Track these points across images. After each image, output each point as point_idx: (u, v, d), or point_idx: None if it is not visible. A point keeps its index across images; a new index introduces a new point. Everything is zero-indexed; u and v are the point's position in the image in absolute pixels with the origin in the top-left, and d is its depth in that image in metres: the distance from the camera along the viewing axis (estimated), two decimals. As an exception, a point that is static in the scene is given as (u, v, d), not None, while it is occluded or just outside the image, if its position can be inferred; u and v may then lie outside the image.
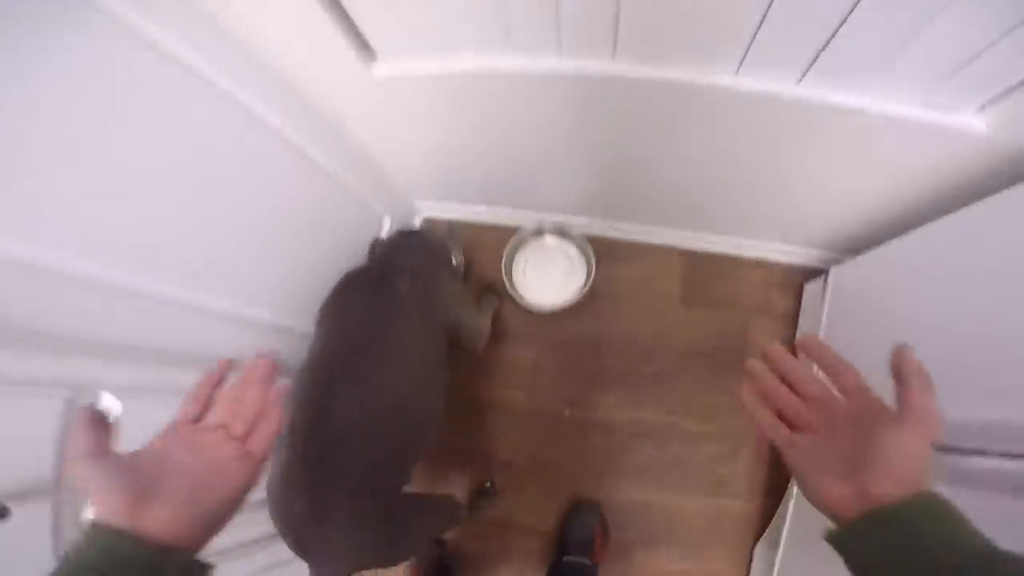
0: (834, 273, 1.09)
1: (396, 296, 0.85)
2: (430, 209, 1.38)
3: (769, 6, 0.55)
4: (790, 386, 0.43)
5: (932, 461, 0.34)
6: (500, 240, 1.32)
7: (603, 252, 1.30)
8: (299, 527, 0.70)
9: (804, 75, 0.66)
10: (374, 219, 1.17)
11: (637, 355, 1.28)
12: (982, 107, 0.65)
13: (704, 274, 1.31)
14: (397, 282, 0.87)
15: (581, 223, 1.32)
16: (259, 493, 0.75)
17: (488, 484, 1.25)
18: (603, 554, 1.16)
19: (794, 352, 0.45)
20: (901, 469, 0.33)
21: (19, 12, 0.43)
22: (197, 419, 0.41)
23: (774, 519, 1.13)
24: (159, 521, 0.33)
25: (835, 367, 0.42)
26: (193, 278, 0.73)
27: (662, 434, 1.24)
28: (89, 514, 0.33)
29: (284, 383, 0.44)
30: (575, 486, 1.24)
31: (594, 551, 1.12)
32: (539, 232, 1.33)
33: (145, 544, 0.32)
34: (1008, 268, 0.64)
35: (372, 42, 0.73)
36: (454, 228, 1.22)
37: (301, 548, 0.71)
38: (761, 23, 0.58)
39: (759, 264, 1.30)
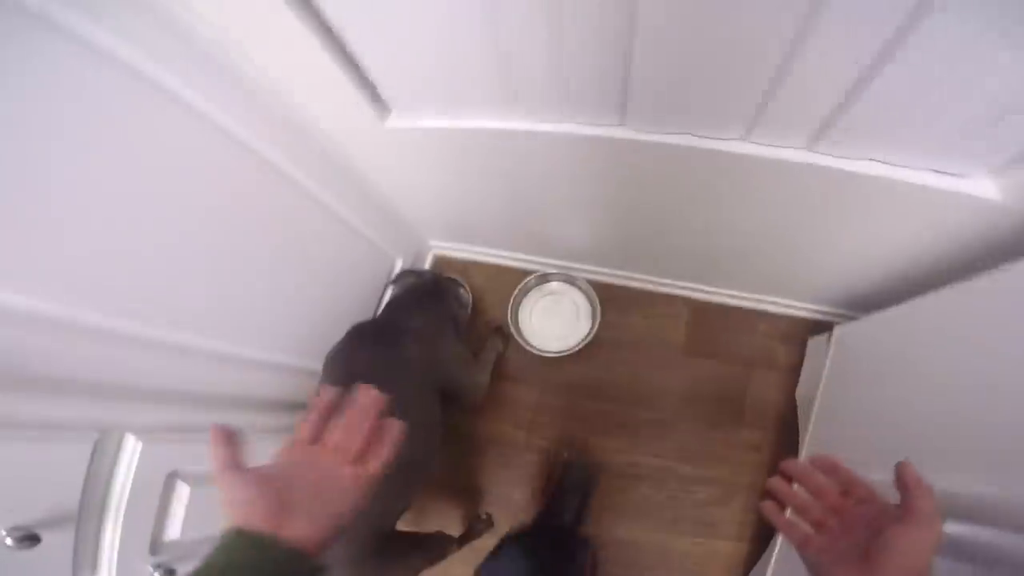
0: (839, 331, 1.08)
1: (404, 358, 0.89)
2: (442, 249, 1.43)
3: (777, 78, 0.56)
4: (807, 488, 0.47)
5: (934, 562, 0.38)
6: (509, 282, 1.36)
7: (609, 299, 1.32)
8: None
9: (814, 142, 0.66)
10: (386, 261, 1.22)
11: (637, 401, 1.30)
12: (994, 172, 0.64)
13: (709, 324, 1.32)
14: (405, 343, 0.91)
15: (588, 270, 1.35)
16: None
17: (485, 515, 1.27)
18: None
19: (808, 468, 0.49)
20: (909, 563, 0.37)
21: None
22: (315, 439, 0.45)
23: (759, 563, 1.13)
24: (298, 529, 0.37)
25: (849, 482, 0.46)
26: (210, 326, 0.79)
27: (658, 477, 1.25)
28: (231, 521, 0.36)
29: (395, 420, 0.48)
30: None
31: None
32: (546, 278, 1.37)
33: (289, 548, 0.36)
34: (1011, 345, 0.63)
35: (386, 96, 0.76)
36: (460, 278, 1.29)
37: None
38: (769, 93, 0.58)
39: (764, 316, 1.30)
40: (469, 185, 1.02)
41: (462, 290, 1.30)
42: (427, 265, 1.43)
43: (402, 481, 0.85)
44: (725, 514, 1.23)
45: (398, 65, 0.69)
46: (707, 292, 1.32)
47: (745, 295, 1.30)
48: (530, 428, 1.33)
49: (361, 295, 1.17)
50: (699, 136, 0.70)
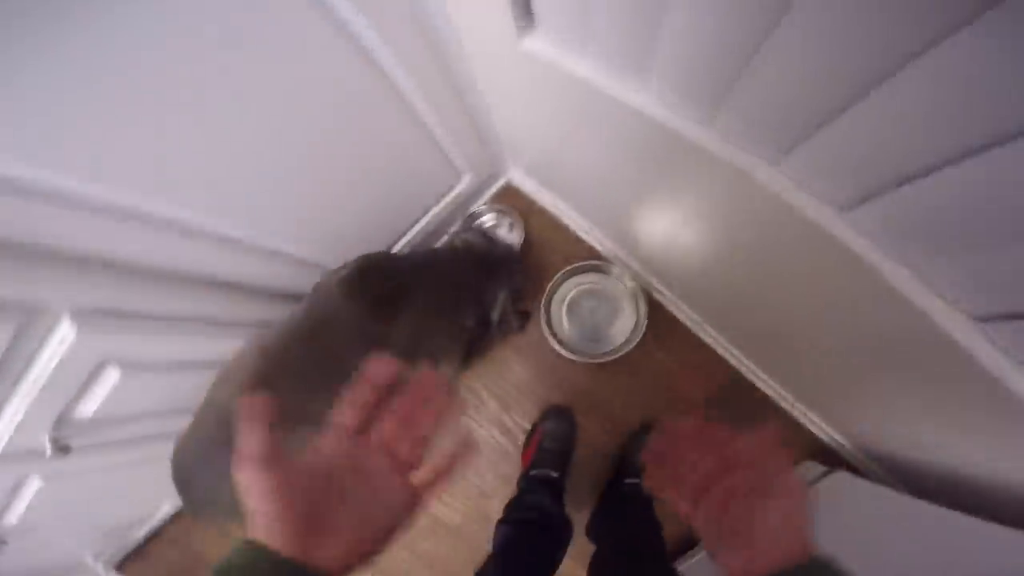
0: (840, 477, 1.00)
1: (386, 333, 0.76)
2: (517, 181, 1.24)
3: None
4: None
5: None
6: (565, 246, 1.22)
7: (655, 322, 1.18)
8: (201, 475, 0.71)
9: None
10: (451, 176, 1.04)
11: (618, 436, 1.20)
12: None
13: (734, 402, 1.18)
14: (398, 318, 0.77)
15: (651, 282, 1.18)
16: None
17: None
18: None
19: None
20: (783, 537, 0.35)
21: None
22: (359, 429, 0.36)
23: None
24: (327, 554, 0.30)
25: (727, 446, 0.41)
26: (220, 206, 0.69)
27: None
28: (252, 528, 0.30)
29: (458, 404, 0.38)
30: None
31: None
32: (602, 269, 1.20)
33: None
34: None
35: (537, 10, 0.60)
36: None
37: (189, 493, 0.73)
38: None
39: (785, 418, 1.16)
40: (574, 140, 0.86)
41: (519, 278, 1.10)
42: (493, 191, 1.26)
43: None
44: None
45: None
46: (753, 371, 1.17)
47: (786, 394, 1.16)
48: (505, 404, 1.26)
49: (406, 205, 1.02)
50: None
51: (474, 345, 0.98)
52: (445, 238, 1.26)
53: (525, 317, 1.21)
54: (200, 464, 0.71)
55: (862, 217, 0.50)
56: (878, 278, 0.53)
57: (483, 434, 1.27)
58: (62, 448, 0.73)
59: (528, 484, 1.07)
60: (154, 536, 1.45)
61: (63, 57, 0.42)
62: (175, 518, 1.43)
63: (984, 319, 0.51)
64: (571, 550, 0.95)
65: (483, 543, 0.88)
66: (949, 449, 0.79)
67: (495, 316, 0.99)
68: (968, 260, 0.46)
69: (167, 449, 1.01)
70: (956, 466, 0.79)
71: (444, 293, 0.84)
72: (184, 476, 0.73)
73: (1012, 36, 0.29)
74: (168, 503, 1.37)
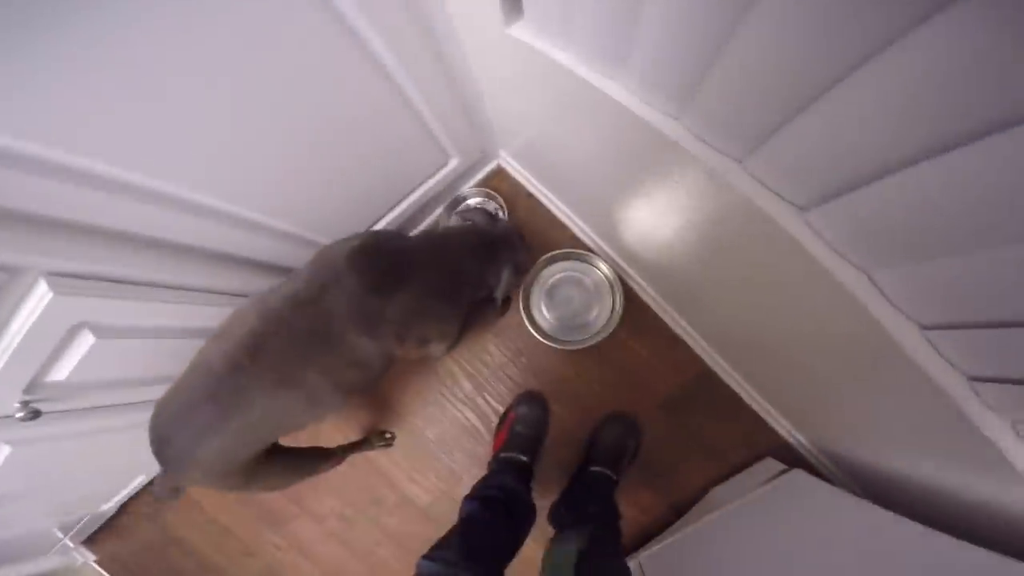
0: (797, 474, 1.03)
1: (383, 305, 0.77)
2: (507, 164, 1.25)
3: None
4: None
5: None
6: (548, 232, 1.23)
7: (632, 313, 1.20)
8: (168, 443, 0.73)
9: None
10: (439, 157, 1.04)
11: (586, 424, 1.23)
12: None
13: (703, 396, 1.21)
14: (396, 296, 0.78)
15: (630, 274, 1.20)
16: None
17: (389, 434, 1.28)
18: (628, 469, 1.19)
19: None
20: None
21: None
22: None
23: None
24: None
25: None
26: (212, 181, 0.69)
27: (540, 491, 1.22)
28: None
29: None
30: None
31: (620, 465, 1.14)
32: (583, 258, 1.22)
33: None
34: None
35: (526, 2, 0.61)
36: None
37: (164, 450, 0.74)
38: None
39: (752, 417, 1.20)
40: (559, 127, 0.87)
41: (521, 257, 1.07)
42: (482, 175, 1.26)
43: (309, 417, 0.81)
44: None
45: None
46: (722, 367, 1.20)
47: (753, 392, 1.19)
48: (479, 385, 1.28)
49: (392, 184, 1.02)
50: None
51: (472, 317, 1.00)
52: (432, 218, 1.27)
53: (505, 302, 1.23)
54: (180, 420, 0.72)
55: (821, 218, 0.52)
56: (833, 280, 0.54)
57: (456, 415, 1.29)
58: (32, 413, 0.72)
59: (498, 466, 1.09)
60: (126, 510, 1.44)
61: (48, 28, 0.42)
62: (147, 490, 1.43)
63: (929, 327, 0.53)
64: (534, 532, 0.97)
65: (451, 522, 0.90)
66: (902, 456, 0.82)
67: (499, 294, 1.00)
68: (912, 268, 0.48)
69: (141, 418, 1.01)
70: (908, 473, 0.82)
71: (444, 278, 0.85)
72: (162, 433, 0.73)
73: (965, 38, 0.30)
74: (142, 475, 1.36)
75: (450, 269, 0.87)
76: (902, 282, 0.52)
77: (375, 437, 1.25)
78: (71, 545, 1.40)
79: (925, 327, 0.54)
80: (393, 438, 1.28)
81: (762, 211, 0.54)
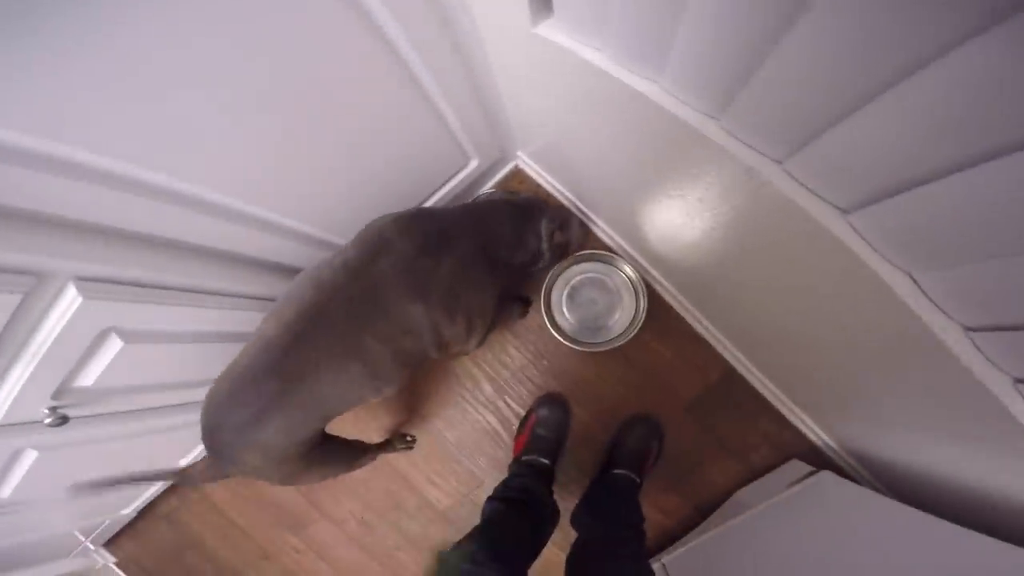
0: (826, 475, 1.01)
1: (435, 270, 0.79)
2: (525, 165, 1.24)
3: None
4: None
5: None
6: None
7: (655, 315, 1.19)
8: (226, 426, 0.72)
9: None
10: (459, 159, 1.04)
11: (610, 426, 1.22)
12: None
13: (726, 397, 1.20)
14: (443, 258, 0.80)
15: (653, 275, 1.19)
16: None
17: (410, 437, 1.28)
18: (651, 471, 1.18)
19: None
20: None
21: None
22: None
23: None
24: None
25: None
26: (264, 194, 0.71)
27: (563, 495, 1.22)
28: None
29: None
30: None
31: (643, 467, 1.14)
32: (606, 260, 1.21)
33: None
34: None
35: (557, 1, 0.61)
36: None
37: (217, 436, 0.73)
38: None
39: (775, 417, 1.18)
40: (584, 127, 0.85)
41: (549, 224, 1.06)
42: (501, 176, 1.25)
43: (354, 398, 0.81)
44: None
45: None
46: (747, 368, 1.18)
47: (778, 392, 1.17)
48: (500, 388, 1.27)
49: (412, 186, 1.02)
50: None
51: (526, 276, 1.03)
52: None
53: (526, 303, 1.22)
54: (237, 401, 0.72)
55: (864, 220, 0.51)
56: (877, 281, 0.53)
57: (477, 418, 1.28)
58: (60, 418, 0.73)
59: (519, 469, 1.09)
60: (145, 512, 1.45)
61: (74, 27, 0.41)
62: (167, 493, 1.44)
63: (973, 329, 0.52)
64: (555, 536, 0.97)
65: (471, 526, 0.90)
66: (938, 456, 0.80)
67: (545, 247, 1.01)
68: (956, 271, 0.47)
69: (165, 422, 1.02)
70: (944, 474, 0.80)
71: (483, 243, 0.87)
72: (215, 419, 0.73)
73: (1004, 55, 0.29)
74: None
75: (488, 234, 0.89)
76: (945, 284, 0.51)
77: (396, 439, 1.25)
78: (92, 548, 1.41)
79: (970, 328, 0.53)
80: (414, 441, 1.28)
81: (804, 211, 0.53)
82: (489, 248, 0.89)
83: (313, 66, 0.60)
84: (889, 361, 0.68)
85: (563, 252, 1.15)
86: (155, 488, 1.38)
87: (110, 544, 1.48)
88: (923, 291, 0.53)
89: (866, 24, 0.34)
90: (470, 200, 1.21)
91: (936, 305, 0.53)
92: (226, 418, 0.72)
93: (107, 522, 1.38)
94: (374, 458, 1.11)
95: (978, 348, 0.54)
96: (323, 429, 0.84)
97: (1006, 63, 0.30)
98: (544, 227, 0.99)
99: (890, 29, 0.33)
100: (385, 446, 1.21)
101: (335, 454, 0.92)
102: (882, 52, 0.35)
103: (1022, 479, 0.64)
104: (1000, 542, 0.61)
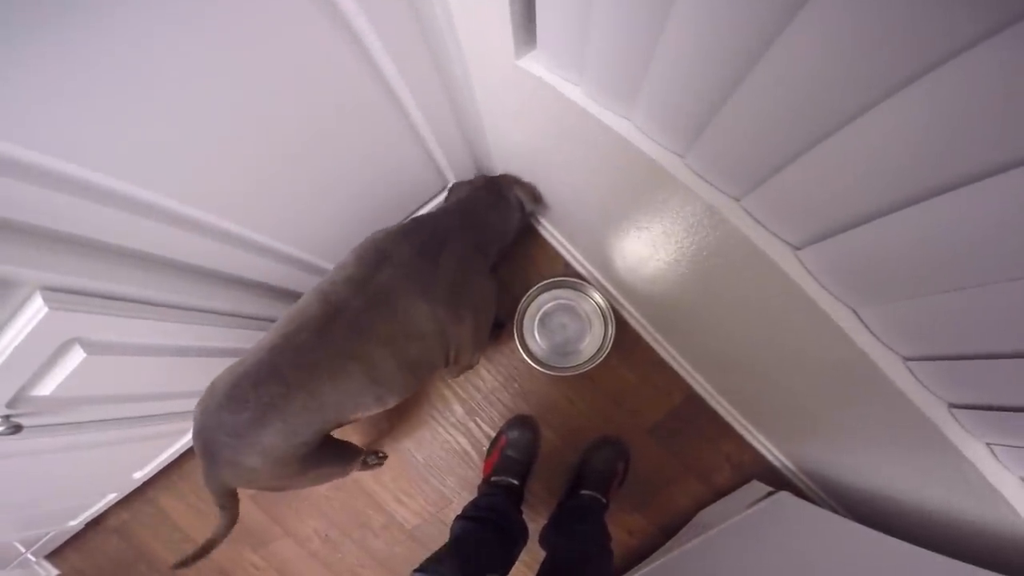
0: (783, 496, 1.05)
1: (436, 269, 0.82)
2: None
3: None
4: None
5: None
6: (543, 259, 1.25)
7: (622, 340, 1.22)
8: (223, 428, 0.72)
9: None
10: (438, 180, 1.06)
11: (577, 447, 1.24)
12: None
13: (688, 420, 1.23)
14: (442, 257, 0.83)
15: (622, 303, 1.23)
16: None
17: (382, 454, 1.27)
18: (617, 492, 1.19)
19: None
20: None
21: None
22: None
23: None
24: None
25: None
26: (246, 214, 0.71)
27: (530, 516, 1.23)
28: None
29: None
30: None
31: (610, 488, 1.14)
32: (577, 287, 1.24)
33: None
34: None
35: (539, 35, 0.63)
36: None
37: (213, 439, 0.73)
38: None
39: (736, 440, 1.22)
40: (558, 157, 0.89)
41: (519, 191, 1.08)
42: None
43: (355, 408, 0.81)
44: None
45: (574, 15, 0.53)
46: (709, 392, 1.22)
47: (739, 416, 1.22)
48: (471, 410, 1.28)
49: (389, 208, 1.04)
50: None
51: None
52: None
53: (500, 326, 1.24)
54: (236, 405, 0.71)
55: (812, 256, 0.55)
56: (823, 315, 0.57)
57: (447, 438, 1.29)
58: (13, 427, 0.71)
59: (489, 489, 1.09)
60: (94, 524, 1.39)
61: (49, 39, 0.41)
62: (117, 506, 1.38)
63: (911, 359, 0.57)
64: (524, 556, 0.97)
65: (438, 545, 0.89)
66: (889, 477, 0.84)
67: (528, 207, 1.06)
68: (895, 306, 0.51)
69: (123, 435, 0.99)
70: (895, 494, 0.84)
71: (472, 239, 0.91)
72: (210, 424, 0.72)
73: (954, 95, 0.32)
74: (114, 492, 1.31)
75: (477, 227, 0.93)
76: (884, 318, 0.55)
77: (368, 456, 1.23)
78: (32, 559, 1.34)
79: (907, 358, 0.58)
80: (385, 458, 1.27)
81: (757, 247, 0.57)
82: (480, 243, 0.93)
83: (297, 86, 0.62)
84: (837, 388, 0.72)
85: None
86: (106, 501, 1.32)
87: (54, 556, 1.41)
88: (865, 324, 0.57)
89: (813, 73, 0.38)
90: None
91: (876, 337, 0.58)
92: (224, 420, 0.72)
93: (51, 534, 1.32)
94: (355, 467, 1.10)
95: (915, 376, 0.58)
96: (325, 433, 0.83)
97: (937, 110, 0.34)
98: (515, 198, 1.04)
99: (833, 79, 0.37)
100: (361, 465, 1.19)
101: (333, 455, 0.92)
102: (830, 97, 0.39)
103: (967, 499, 0.67)
104: (952, 560, 0.64)
